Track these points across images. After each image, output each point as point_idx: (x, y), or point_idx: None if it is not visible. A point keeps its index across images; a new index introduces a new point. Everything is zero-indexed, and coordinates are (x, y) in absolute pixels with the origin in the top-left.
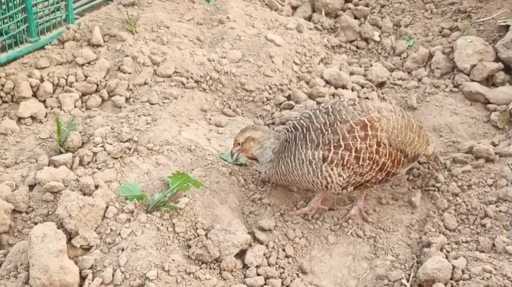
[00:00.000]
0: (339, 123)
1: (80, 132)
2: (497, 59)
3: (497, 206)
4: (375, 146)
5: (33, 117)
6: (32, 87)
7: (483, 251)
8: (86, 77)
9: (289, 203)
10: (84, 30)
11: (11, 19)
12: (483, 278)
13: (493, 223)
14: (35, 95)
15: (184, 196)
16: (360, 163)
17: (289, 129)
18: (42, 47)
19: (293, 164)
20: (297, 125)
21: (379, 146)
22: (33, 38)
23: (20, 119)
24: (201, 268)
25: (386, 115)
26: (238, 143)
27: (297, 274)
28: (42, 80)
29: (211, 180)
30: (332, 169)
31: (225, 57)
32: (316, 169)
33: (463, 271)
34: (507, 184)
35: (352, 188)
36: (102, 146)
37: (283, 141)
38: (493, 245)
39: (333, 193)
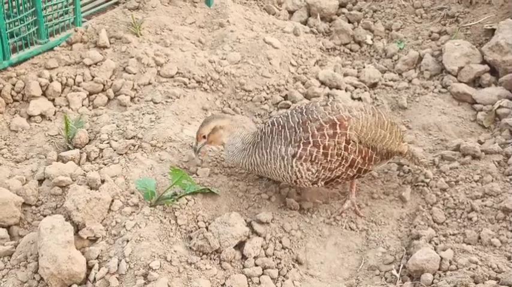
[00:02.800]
0: (310, 122)
1: (87, 130)
2: (484, 62)
3: (483, 201)
4: (343, 143)
5: (42, 115)
6: (41, 86)
7: (469, 244)
8: (93, 77)
9: (283, 198)
10: (91, 32)
11: (21, 22)
12: (469, 269)
13: (479, 216)
14: (44, 94)
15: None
16: (328, 158)
17: (268, 124)
18: (51, 49)
19: (268, 157)
20: (275, 122)
21: (348, 144)
22: (43, 39)
23: (30, 117)
24: (201, 259)
25: (356, 114)
26: (204, 137)
27: (293, 265)
28: (51, 80)
29: (211, 175)
30: (301, 164)
31: (225, 59)
32: (287, 164)
33: (450, 262)
34: (492, 180)
35: (322, 183)
36: (108, 143)
37: (258, 132)
38: (479, 237)
39: (307, 186)
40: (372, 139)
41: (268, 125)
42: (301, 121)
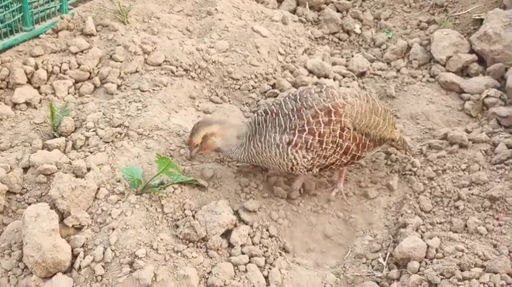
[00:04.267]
0: (304, 109)
1: (73, 118)
2: (472, 51)
3: (469, 189)
4: (338, 130)
5: (27, 103)
6: (26, 74)
7: (456, 232)
8: (79, 65)
9: (270, 187)
10: (77, 20)
11: (6, 8)
12: (455, 257)
13: (465, 205)
14: (29, 81)
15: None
16: (324, 146)
17: (260, 113)
18: (37, 36)
19: (263, 146)
20: (268, 110)
21: (343, 131)
22: (28, 27)
23: (15, 105)
24: (188, 247)
25: (350, 101)
26: (196, 145)
27: (280, 253)
28: (36, 68)
29: (198, 163)
30: (297, 152)
31: (213, 47)
32: (282, 152)
33: (436, 250)
34: (479, 169)
35: (317, 169)
36: (94, 131)
37: (251, 124)
38: (466, 225)
39: (301, 173)
40: (366, 126)
41: (261, 115)
42: (295, 108)
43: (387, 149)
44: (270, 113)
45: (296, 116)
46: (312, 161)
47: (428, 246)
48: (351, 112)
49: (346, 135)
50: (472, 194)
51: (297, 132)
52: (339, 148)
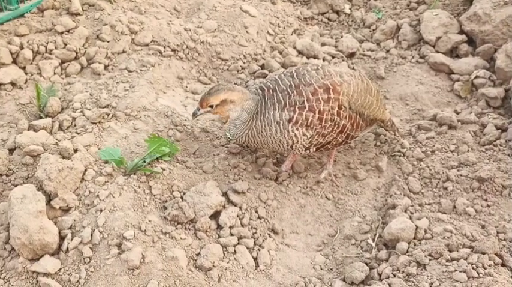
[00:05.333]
0: (303, 86)
1: (60, 98)
2: (461, 32)
3: (458, 171)
4: (336, 108)
5: (13, 84)
6: (11, 54)
7: (445, 213)
8: (65, 44)
9: (259, 168)
10: None
11: None
12: (444, 238)
13: (454, 186)
14: (14, 61)
15: (162, 160)
16: (323, 123)
17: (256, 92)
18: (22, 15)
19: (262, 125)
20: (264, 87)
21: (340, 109)
22: (13, 6)
23: (0, 85)
24: (176, 228)
25: (347, 80)
26: (211, 106)
27: (269, 234)
28: (22, 47)
29: (187, 144)
30: (297, 129)
31: (201, 27)
32: (283, 129)
33: (425, 231)
34: (468, 150)
35: (314, 148)
36: (81, 112)
37: (257, 102)
38: (454, 207)
39: (299, 152)
40: (361, 105)
41: (257, 93)
42: (293, 85)
43: (376, 130)
44: (266, 89)
45: (295, 92)
46: (310, 139)
47: (417, 227)
48: (347, 91)
49: (343, 114)
50: (461, 175)
51: (297, 109)
52: (336, 127)
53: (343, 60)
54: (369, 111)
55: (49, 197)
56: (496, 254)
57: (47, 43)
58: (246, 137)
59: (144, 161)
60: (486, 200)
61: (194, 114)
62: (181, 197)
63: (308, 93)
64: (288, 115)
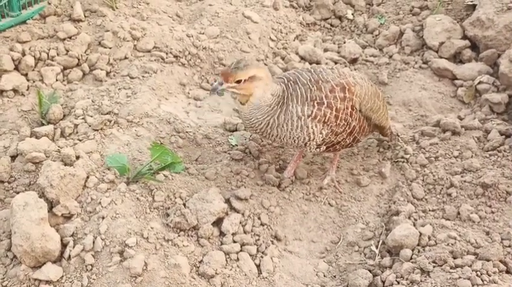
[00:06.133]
0: (322, 81)
1: (62, 105)
2: (465, 37)
3: (462, 177)
4: (349, 108)
5: (15, 90)
6: (13, 60)
7: (448, 219)
8: (67, 51)
9: (262, 174)
10: (65, 5)
11: None
12: (448, 244)
13: (458, 192)
14: (16, 68)
15: (165, 168)
16: (338, 121)
17: (279, 80)
18: (24, 22)
19: (286, 119)
20: (284, 78)
21: (353, 109)
22: (15, 12)
23: (2, 92)
24: (179, 236)
25: (359, 82)
26: (237, 81)
27: (272, 241)
28: (24, 54)
29: (189, 151)
30: (316, 126)
31: (203, 33)
32: (303, 125)
33: (429, 238)
34: (472, 156)
35: (324, 147)
36: (83, 118)
37: (282, 89)
38: (458, 213)
39: (309, 149)
40: (370, 109)
41: (280, 83)
42: (313, 79)
43: (379, 136)
44: (287, 80)
45: (315, 87)
46: (324, 137)
47: (420, 234)
48: (360, 92)
49: (354, 115)
50: (465, 181)
51: (316, 104)
52: (347, 127)
53: (345, 66)
54: (376, 116)
55: (51, 205)
56: (501, 261)
57: (49, 50)
58: (265, 125)
59: (149, 170)
60: (490, 206)
61: (214, 89)
62: (184, 204)
63: (327, 90)
64: (309, 110)
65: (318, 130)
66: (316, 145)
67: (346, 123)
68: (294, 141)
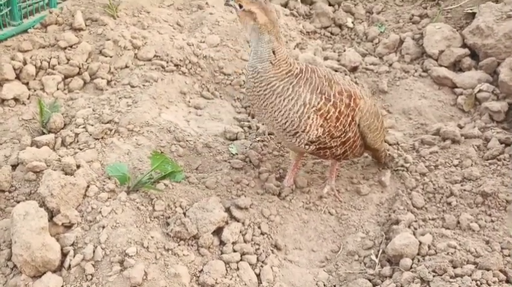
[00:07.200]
0: (334, 82)
1: (62, 114)
2: (464, 45)
3: (462, 185)
4: (350, 117)
5: (16, 99)
6: (15, 69)
7: (448, 228)
8: (68, 60)
9: (262, 183)
10: (66, 14)
11: None
12: (448, 253)
13: (458, 201)
14: (18, 77)
15: (165, 177)
16: (337, 124)
17: (298, 65)
18: (25, 31)
19: (290, 95)
20: (305, 63)
21: (352, 120)
22: (16, 21)
23: (3, 101)
24: (179, 245)
25: (364, 97)
26: (240, 5)
27: (272, 250)
28: (25, 63)
29: (190, 160)
30: (316, 119)
31: (204, 42)
32: (305, 113)
33: (429, 247)
34: (472, 164)
35: (313, 147)
36: (83, 127)
37: (300, 68)
38: (458, 222)
39: (298, 143)
40: (368, 127)
41: (298, 67)
42: (327, 76)
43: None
44: (306, 66)
45: (327, 84)
46: (320, 135)
47: (420, 243)
48: (362, 107)
49: (352, 127)
50: (465, 190)
51: (323, 98)
52: (343, 135)
53: (346, 74)
54: (371, 136)
55: (51, 214)
56: (501, 271)
57: (50, 58)
58: (266, 84)
59: (149, 179)
60: (490, 215)
61: (227, 1)
62: (184, 213)
63: (336, 90)
64: (315, 101)
65: (316, 125)
66: (306, 140)
67: (343, 130)
68: (285, 123)
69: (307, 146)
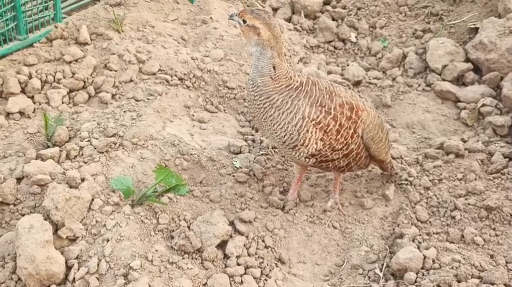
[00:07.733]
0: (335, 94)
1: (67, 127)
2: (467, 60)
3: (466, 199)
4: (352, 130)
5: (21, 113)
6: (20, 83)
7: (453, 242)
8: (73, 74)
9: (266, 197)
10: (71, 29)
11: (0, 17)
12: (452, 268)
13: (462, 215)
14: (23, 91)
15: (169, 190)
16: (338, 137)
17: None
18: (31, 45)
19: (289, 108)
20: (307, 76)
21: (355, 133)
22: (22, 36)
23: (8, 115)
24: (183, 258)
25: (368, 109)
26: (244, 21)
27: (276, 264)
28: (30, 77)
29: (194, 173)
30: (315, 132)
31: (208, 56)
32: (303, 126)
33: (433, 261)
34: (476, 178)
35: (313, 160)
36: (88, 141)
37: (300, 81)
38: (462, 236)
39: (298, 157)
40: (371, 138)
41: (299, 78)
42: (328, 89)
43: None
44: (307, 78)
45: (328, 96)
46: (321, 148)
47: (424, 257)
48: (366, 119)
49: (355, 139)
50: (469, 204)
51: (323, 111)
52: (345, 147)
53: (349, 89)
54: (375, 147)
55: (56, 227)
56: (505, 285)
57: (55, 72)
58: (266, 98)
59: (153, 192)
60: (494, 229)
61: (231, 16)
62: (188, 227)
63: (337, 103)
64: (315, 114)
65: (315, 138)
66: (307, 153)
67: (345, 143)
68: (284, 136)
69: (307, 159)
